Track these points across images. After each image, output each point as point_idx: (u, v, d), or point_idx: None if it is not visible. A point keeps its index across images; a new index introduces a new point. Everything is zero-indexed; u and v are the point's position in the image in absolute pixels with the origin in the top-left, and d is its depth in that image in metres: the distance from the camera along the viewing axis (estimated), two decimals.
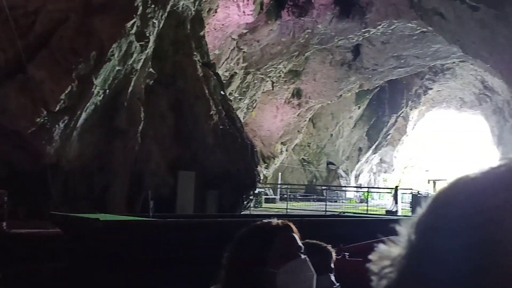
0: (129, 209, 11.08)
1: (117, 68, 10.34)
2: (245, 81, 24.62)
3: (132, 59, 10.71)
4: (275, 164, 34.26)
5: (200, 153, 13.14)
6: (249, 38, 22.00)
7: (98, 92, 10.24)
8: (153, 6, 10.64)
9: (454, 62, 39.00)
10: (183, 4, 13.19)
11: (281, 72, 27.47)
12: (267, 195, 28.24)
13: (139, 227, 6.57)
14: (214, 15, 17.15)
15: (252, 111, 28.34)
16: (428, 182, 48.37)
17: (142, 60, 11.22)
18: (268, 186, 30.67)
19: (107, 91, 10.56)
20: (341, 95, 34.46)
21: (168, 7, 11.52)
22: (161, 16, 11.11)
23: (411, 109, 45.81)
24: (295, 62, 27.49)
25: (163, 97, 13.13)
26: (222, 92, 15.26)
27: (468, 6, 17.11)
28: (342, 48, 29.46)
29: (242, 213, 14.30)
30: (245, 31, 21.07)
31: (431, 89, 44.73)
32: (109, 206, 10.90)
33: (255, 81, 25.78)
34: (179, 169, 12.53)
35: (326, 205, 20.33)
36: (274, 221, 1.53)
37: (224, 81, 19.50)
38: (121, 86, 11.02)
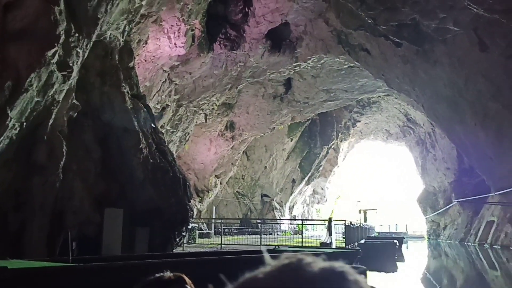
0: (49, 252, 10.15)
1: (36, 99, 9.58)
2: (178, 114, 24.19)
3: (53, 89, 10.00)
4: (209, 198, 33.69)
5: (129, 189, 12.47)
6: (181, 70, 21.75)
7: (14, 125, 9.41)
8: (77, 35, 10.08)
9: (379, 96, 41.00)
10: (110, 34, 12.73)
11: (214, 104, 27.36)
12: (201, 229, 27.51)
13: (54, 274, 5.87)
14: (144, 46, 16.76)
15: (185, 144, 27.81)
16: (359, 212, 49.56)
17: (64, 91, 10.52)
18: (202, 220, 29.96)
19: (25, 123, 9.75)
20: (274, 128, 34.91)
21: (94, 36, 11.01)
22: (86, 45, 10.55)
23: (341, 141, 47.25)
24: (228, 94, 27.53)
25: (89, 130, 12.42)
26: (152, 125, 14.75)
27: (392, 42, 18.04)
28: (274, 81, 30.01)
29: (174, 250, 13.67)
30: (176, 63, 20.81)
31: (359, 121, 46.52)
32: (26, 249, 9.93)
33: (188, 114, 25.42)
34: (106, 206, 11.76)
35: (261, 238, 20.04)
36: (167, 274, 1.52)
37: (155, 114, 19.01)
38: (41, 118, 10.24)
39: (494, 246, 28.95)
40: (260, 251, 11.93)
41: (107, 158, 12.56)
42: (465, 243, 34.69)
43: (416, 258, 29.06)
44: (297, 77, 29.85)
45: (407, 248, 33.38)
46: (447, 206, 38.11)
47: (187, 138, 27.28)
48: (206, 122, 29.24)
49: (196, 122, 27.46)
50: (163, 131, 20.56)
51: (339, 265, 0.54)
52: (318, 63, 26.96)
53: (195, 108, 25.59)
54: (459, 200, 28.75)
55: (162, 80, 21.14)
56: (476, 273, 19.69)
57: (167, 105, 22.84)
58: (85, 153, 12.10)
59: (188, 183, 15.07)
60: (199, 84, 23.76)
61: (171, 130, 24.43)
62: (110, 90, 13.00)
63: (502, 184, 17.90)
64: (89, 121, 12.50)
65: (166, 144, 17.50)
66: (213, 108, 28.26)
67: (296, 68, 26.89)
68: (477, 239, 33.19)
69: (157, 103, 21.44)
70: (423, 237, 53.58)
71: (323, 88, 31.09)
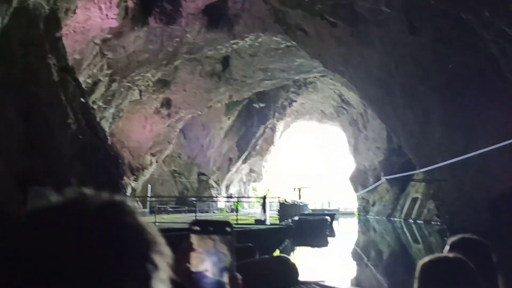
0: None
1: None
2: (110, 89, 23.23)
3: None
4: (145, 176, 32.98)
5: (56, 166, 11.84)
6: (114, 44, 20.83)
7: None
8: None
9: (315, 77, 41.67)
10: (34, 1, 11.86)
11: (149, 80, 26.55)
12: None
13: None
14: (72, 16, 15.78)
15: (118, 121, 26.87)
16: (294, 190, 50.47)
17: None
18: (137, 199, 29.31)
19: None
20: (211, 106, 34.59)
21: (15, 2, 10.19)
22: (6, 11, 9.76)
23: (277, 120, 47.75)
24: (164, 71, 26.79)
25: (11, 104, 11.60)
26: (82, 100, 14.05)
27: (328, 22, 18.26)
28: (212, 59, 29.58)
29: None
30: (109, 36, 19.87)
31: (295, 101, 47.13)
32: None
33: (122, 89, 24.49)
34: (30, 184, 11.11)
35: (196, 216, 19.95)
36: None
37: (86, 88, 18.10)
38: None
39: (417, 221, 30.80)
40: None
41: (32, 134, 11.83)
42: (392, 219, 36.66)
43: (346, 233, 30.28)
44: (235, 55, 29.62)
45: (338, 224, 34.66)
46: (376, 184, 39.88)
47: (120, 115, 26.36)
48: (141, 98, 28.36)
49: (131, 98, 26.55)
50: (94, 107, 19.70)
51: (120, 197, 0.53)
52: (256, 42, 26.85)
53: (129, 84, 24.70)
54: (388, 177, 30.12)
55: (93, 53, 20.14)
56: (401, 246, 20.86)
57: (99, 80, 21.86)
58: (6, 128, 11.31)
59: (121, 161, 14.61)
60: (133, 59, 22.90)
61: (104, 106, 23.45)
62: (35, 61, 12.17)
63: (426, 162, 18.91)
64: (11, 94, 11.67)
65: (98, 120, 16.81)
66: (149, 85, 27.44)
67: (233, 46, 26.63)
68: (402, 215, 35.15)
69: (88, 77, 20.45)
70: (354, 213, 55.92)
71: (261, 67, 31.11)
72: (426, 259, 1.50)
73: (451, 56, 14.68)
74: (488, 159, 14.97)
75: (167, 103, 31.58)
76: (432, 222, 28.54)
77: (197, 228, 0.71)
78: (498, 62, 12.00)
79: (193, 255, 0.70)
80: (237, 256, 0.71)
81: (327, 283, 3.35)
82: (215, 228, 0.71)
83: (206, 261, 0.70)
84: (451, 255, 1.52)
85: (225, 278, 0.70)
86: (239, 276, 0.71)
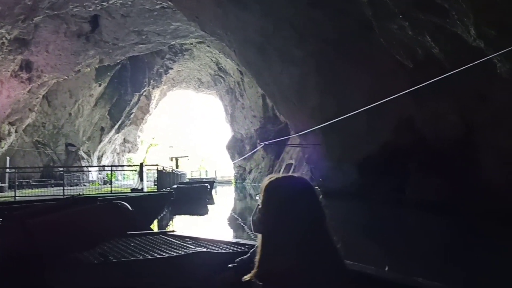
0: None
1: None
2: None
3: None
4: (2, 148, 29.46)
5: None
6: None
7: None
8: None
9: (192, 43, 40.73)
10: None
11: (3, 38, 23.32)
12: None
13: None
14: None
15: None
16: (171, 160, 49.73)
17: None
18: None
19: None
20: (79, 70, 31.75)
21: None
22: None
23: (153, 88, 46.09)
24: (21, 28, 23.71)
25: None
26: None
27: None
28: (78, 17, 26.97)
29: None
30: None
31: (171, 68, 45.85)
32: None
33: None
34: None
35: (63, 189, 18.23)
36: None
37: None
38: None
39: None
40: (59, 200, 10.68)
41: None
42: None
43: (224, 200, 30.55)
44: (105, 15, 27.35)
45: (216, 193, 34.86)
46: (253, 151, 40.81)
47: None
48: None
49: None
50: None
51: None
52: (128, 1, 25.06)
53: None
54: (265, 142, 30.87)
55: None
56: None
57: None
58: None
59: None
60: None
61: None
62: None
63: (302, 127, 19.51)
64: None
65: None
66: (3, 43, 24.11)
67: (103, 4, 24.50)
68: None
69: None
70: (231, 181, 56.92)
71: (134, 30, 29.25)
72: (272, 176, 1.69)
73: (326, 22, 15.01)
74: (356, 123, 15.81)
75: (27, 66, 28.19)
76: None
77: None
78: (372, 27, 12.51)
79: None
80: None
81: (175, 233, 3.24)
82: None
83: None
84: (295, 174, 1.72)
85: None
86: None
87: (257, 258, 1.63)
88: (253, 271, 1.62)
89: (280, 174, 1.68)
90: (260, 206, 1.67)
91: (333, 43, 15.70)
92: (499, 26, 7.68)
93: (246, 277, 1.64)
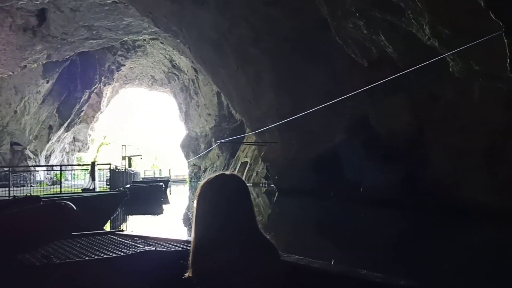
0: None
1: None
2: None
3: None
4: None
5: None
6: None
7: None
8: None
9: (145, 40, 39.88)
10: None
11: None
12: None
13: None
14: None
15: None
16: (124, 159, 48.55)
17: None
18: None
19: None
20: (25, 66, 30.34)
21: None
22: None
23: (104, 85, 44.80)
24: None
25: None
26: None
27: None
28: (25, 10, 25.75)
29: None
30: None
31: (123, 65, 44.77)
32: None
33: None
34: None
35: (9, 190, 17.25)
36: None
37: None
38: None
39: (247, 184, 32.19)
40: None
41: None
42: None
43: (179, 200, 30.11)
44: (53, 8, 26.24)
45: (170, 192, 34.29)
46: (208, 150, 40.48)
47: None
48: None
49: None
50: None
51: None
52: None
53: None
54: (221, 141, 30.66)
55: None
56: None
57: None
58: None
59: None
60: None
61: None
62: None
63: (258, 125, 19.48)
64: None
65: None
66: None
67: None
68: None
69: None
70: (185, 180, 56.24)
71: (84, 24, 28.24)
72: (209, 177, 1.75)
73: (282, 20, 15.02)
74: (312, 121, 15.93)
75: None
76: (260, 185, 30.11)
77: None
78: (328, 25, 12.59)
79: None
80: None
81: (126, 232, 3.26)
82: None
83: None
84: (227, 172, 1.77)
85: None
86: None
87: (190, 256, 1.66)
88: (189, 270, 1.64)
89: (217, 173, 1.76)
90: (195, 206, 1.72)
91: (289, 41, 15.74)
92: (454, 25, 7.88)
93: (185, 275, 1.65)
